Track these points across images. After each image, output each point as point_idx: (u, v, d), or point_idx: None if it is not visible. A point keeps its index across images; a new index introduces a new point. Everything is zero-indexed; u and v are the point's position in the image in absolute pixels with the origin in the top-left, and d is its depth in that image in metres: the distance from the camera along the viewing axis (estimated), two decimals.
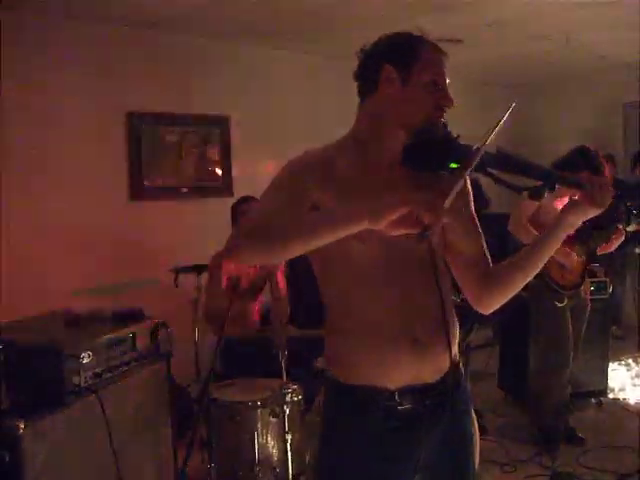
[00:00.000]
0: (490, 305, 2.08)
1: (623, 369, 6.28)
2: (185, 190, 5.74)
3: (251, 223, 1.85)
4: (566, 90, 8.49)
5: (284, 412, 3.60)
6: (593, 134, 7.87)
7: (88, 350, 2.93)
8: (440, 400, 1.99)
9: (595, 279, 5.42)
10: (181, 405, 4.33)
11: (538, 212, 4.61)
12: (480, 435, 4.10)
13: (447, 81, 1.97)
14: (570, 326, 4.66)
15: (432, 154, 1.92)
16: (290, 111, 6.36)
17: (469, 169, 1.76)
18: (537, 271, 2.01)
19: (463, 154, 1.83)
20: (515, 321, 5.14)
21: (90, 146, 5.17)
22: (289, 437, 3.58)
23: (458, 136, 1.92)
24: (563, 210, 1.94)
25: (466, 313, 3.23)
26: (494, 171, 1.88)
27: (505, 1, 4.87)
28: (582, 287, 4.72)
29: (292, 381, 3.79)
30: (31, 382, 2.83)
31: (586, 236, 4.62)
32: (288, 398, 3.63)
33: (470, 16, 5.25)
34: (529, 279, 2.03)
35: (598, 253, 4.75)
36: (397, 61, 1.93)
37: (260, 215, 1.87)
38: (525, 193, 4.44)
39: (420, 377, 1.96)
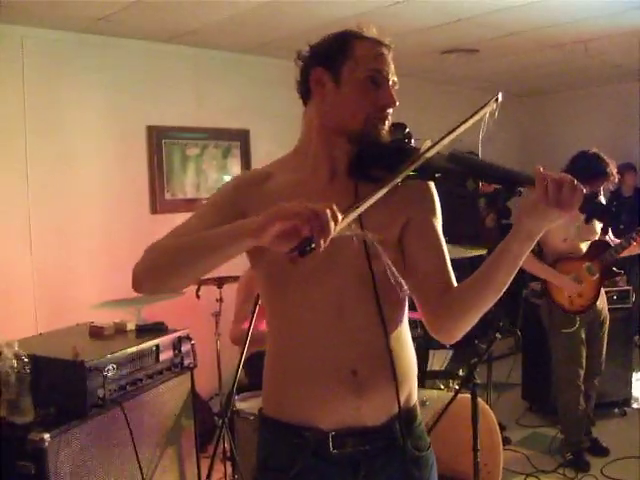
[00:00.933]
0: (447, 330, 1.75)
1: None
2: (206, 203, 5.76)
3: (153, 246, 1.70)
4: (583, 99, 8.46)
5: None
6: (610, 143, 7.82)
7: (112, 363, 2.96)
8: (385, 446, 1.75)
9: (617, 288, 5.38)
10: (201, 418, 4.36)
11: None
12: (504, 446, 4.09)
13: (390, 77, 1.76)
14: (582, 345, 4.61)
15: (380, 163, 1.72)
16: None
17: (402, 175, 1.60)
18: (501, 291, 1.65)
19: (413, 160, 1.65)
20: (538, 331, 5.12)
21: (112, 160, 5.21)
22: None
23: (409, 139, 1.80)
24: (518, 214, 1.61)
25: (488, 323, 3.24)
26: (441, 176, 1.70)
27: (520, 11, 4.86)
28: (597, 302, 4.61)
29: None
30: (56, 395, 2.86)
31: (598, 250, 4.56)
32: None
33: (486, 26, 5.25)
34: (492, 301, 1.67)
35: (622, 255, 4.57)
36: (326, 61, 1.77)
37: (168, 234, 1.74)
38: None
39: (359, 418, 1.71)
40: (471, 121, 1.71)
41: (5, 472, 2.67)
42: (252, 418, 3.69)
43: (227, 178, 5.94)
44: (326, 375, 1.70)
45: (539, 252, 4.63)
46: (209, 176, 5.80)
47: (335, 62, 1.75)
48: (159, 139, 5.45)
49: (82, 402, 2.82)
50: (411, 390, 1.82)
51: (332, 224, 1.37)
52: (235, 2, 4.47)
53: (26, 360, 2.78)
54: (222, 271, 4.60)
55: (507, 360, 6.17)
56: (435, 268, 1.76)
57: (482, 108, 1.73)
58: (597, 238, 4.57)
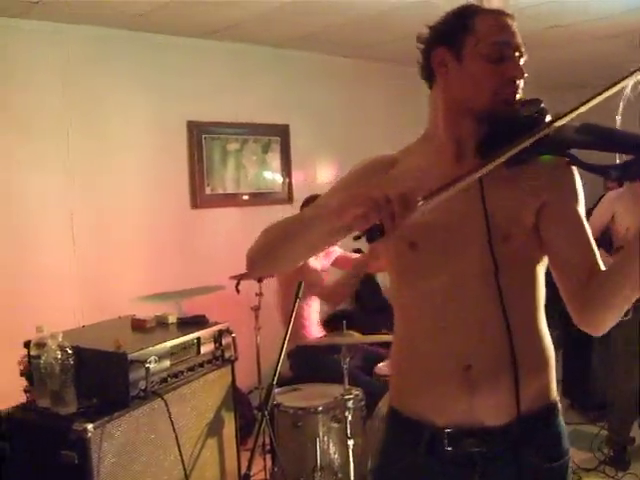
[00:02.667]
0: (592, 323, 1.65)
1: None
2: (246, 198, 5.79)
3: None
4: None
5: (346, 418, 3.60)
6: None
7: (154, 355, 2.98)
8: (504, 450, 1.63)
9: None
10: (241, 411, 4.38)
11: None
12: None
13: (518, 47, 1.66)
14: (633, 340, 4.48)
15: (511, 141, 1.54)
16: (350, 119, 6.38)
17: (517, 149, 1.49)
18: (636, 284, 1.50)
19: (550, 140, 1.53)
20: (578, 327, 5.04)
21: (152, 156, 5.25)
22: (351, 442, 3.58)
23: (543, 115, 1.62)
24: None
25: None
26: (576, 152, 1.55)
27: (565, 2, 4.80)
28: None
29: (354, 387, 3.79)
30: (99, 386, 2.89)
31: None
32: (350, 404, 3.63)
33: (529, 18, 5.19)
34: (634, 295, 1.53)
35: None
36: (447, 40, 1.68)
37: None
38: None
39: (474, 416, 1.62)
40: (610, 91, 1.54)
41: (49, 461, 2.71)
42: (291, 411, 3.71)
43: (267, 173, 5.96)
44: (439, 369, 1.66)
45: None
46: (249, 171, 5.82)
47: (456, 39, 1.67)
48: (199, 134, 5.48)
49: (124, 393, 2.85)
50: (542, 388, 1.71)
51: (405, 210, 1.35)
52: None
53: (70, 352, 2.81)
54: None
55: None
56: (580, 259, 1.65)
57: (625, 78, 1.55)
58: None
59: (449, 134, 1.72)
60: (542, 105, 1.65)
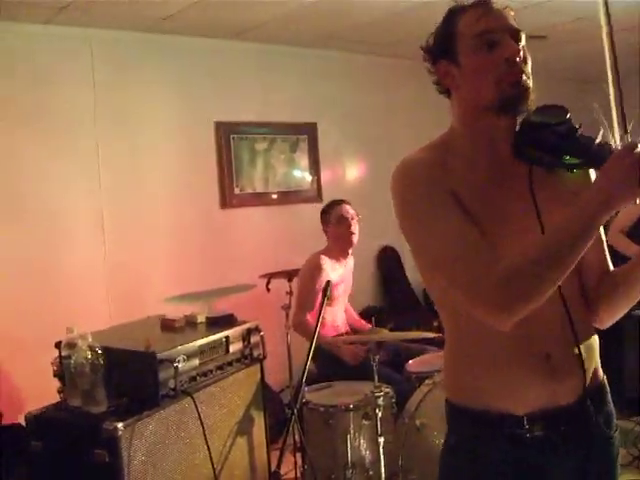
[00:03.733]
0: (603, 319, 1.78)
1: None
2: (275, 197, 5.81)
3: (482, 272, 1.53)
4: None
5: (376, 415, 3.59)
6: None
7: (183, 354, 3.00)
8: (578, 425, 1.69)
9: None
10: (273, 410, 4.39)
11: None
12: None
13: (506, 29, 1.67)
14: None
15: (543, 145, 1.62)
16: (377, 116, 6.37)
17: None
18: None
19: (581, 146, 1.57)
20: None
21: (181, 157, 5.29)
22: (381, 440, 3.56)
23: (579, 126, 1.61)
24: None
25: None
26: None
27: None
28: None
29: (385, 384, 3.78)
30: (129, 385, 2.92)
31: None
32: (380, 401, 3.61)
33: (554, 11, 5.14)
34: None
35: None
36: (443, 52, 1.73)
37: (472, 257, 1.56)
38: None
39: (553, 399, 1.66)
40: None
41: (81, 459, 2.74)
42: (322, 409, 3.71)
43: (296, 172, 5.97)
44: (520, 361, 1.66)
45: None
46: (278, 170, 5.83)
47: (449, 48, 1.71)
48: (227, 134, 5.50)
49: (154, 392, 2.87)
50: (597, 367, 1.79)
51: None
52: None
53: (100, 352, 2.84)
54: (292, 264, 4.68)
55: None
56: (594, 258, 1.74)
57: None
58: None
59: (478, 137, 1.72)
60: (568, 115, 1.63)
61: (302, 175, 6.01)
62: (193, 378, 3.08)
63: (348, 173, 6.31)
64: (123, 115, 5.00)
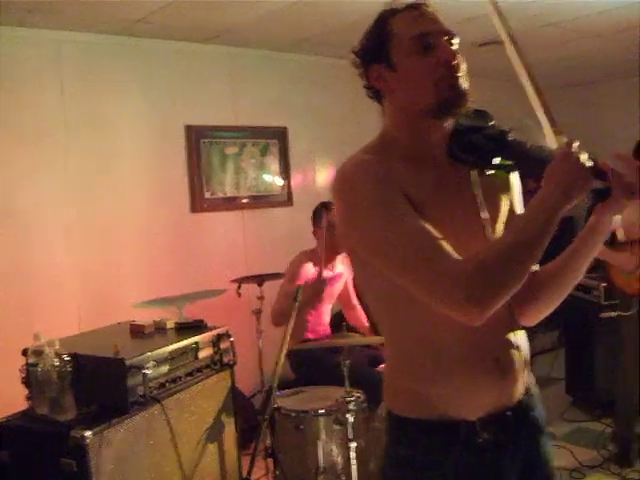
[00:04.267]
0: (528, 315, 1.80)
1: None
2: (245, 201, 5.78)
3: (452, 271, 1.50)
4: (626, 89, 8.30)
5: (347, 420, 3.59)
6: None
7: (152, 361, 2.98)
8: (522, 425, 1.74)
9: None
10: (244, 415, 4.38)
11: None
12: None
13: (442, 32, 1.70)
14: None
15: (476, 148, 1.68)
16: (348, 121, 6.37)
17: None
18: (578, 278, 1.75)
19: (513, 148, 1.66)
20: (581, 324, 5.05)
21: (151, 161, 5.25)
22: (353, 445, 3.56)
23: (509, 130, 1.71)
24: (597, 213, 1.67)
25: None
26: None
27: (558, 1, 4.79)
28: None
29: (356, 388, 3.78)
30: (97, 393, 2.90)
31: None
32: (352, 406, 3.61)
33: (523, 18, 5.18)
34: (571, 286, 1.76)
35: None
36: (376, 56, 1.73)
37: (433, 254, 1.53)
38: None
39: (500, 402, 1.70)
40: None
41: (48, 469, 2.72)
42: (293, 415, 3.70)
43: (266, 176, 5.95)
44: (471, 366, 1.68)
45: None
46: (248, 174, 5.81)
47: (382, 52, 1.72)
48: (197, 139, 5.47)
49: (123, 400, 2.86)
50: (529, 370, 1.83)
51: None
52: (268, 1, 4.47)
53: (67, 358, 2.82)
54: (263, 269, 4.67)
55: (551, 354, 6.09)
56: None
57: None
58: None
59: (417, 140, 1.73)
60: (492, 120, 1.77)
61: (273, 179, 5.99)
62: (162, 385, 3.06)
63: (319, 177, 6.30)
64: (93, 119, 4.95)
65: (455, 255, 1.53)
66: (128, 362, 2.87)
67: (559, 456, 4.55)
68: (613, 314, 4.59)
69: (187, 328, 3.44)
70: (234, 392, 3.62)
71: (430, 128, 1.71)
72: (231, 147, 5.69)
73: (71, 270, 4.79)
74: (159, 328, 3.45)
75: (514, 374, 1.72)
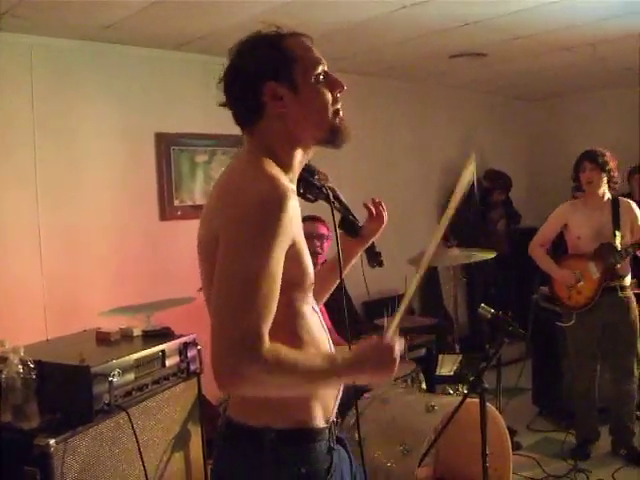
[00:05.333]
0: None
1: None
2: None
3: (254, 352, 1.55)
4: (592, 102, 8.41)
5: None
6: (622, 146, 7.75)
7: (118, 368, 2.96)
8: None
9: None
10: (212, 424, 4.36)
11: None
12: (514, 451, 4.07)
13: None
14: (588, 342, 4.72)
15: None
16: None
17: None
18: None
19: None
20: (548, 335, 5.10)
21: (120, 168, 5.22)
22: None
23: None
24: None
25: (497, 327, 3.22)
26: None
27: (528, 14, 4.84)
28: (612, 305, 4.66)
29: None
30: (62, 400, 2.87)
31: (603, 252, 4.60)
32: None
33: (493, 30, 5.23)
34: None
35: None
36: (274, 74, 1.75)
37: (254, 315, 1.57)
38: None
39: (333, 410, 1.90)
40: (458, 195, 1.82)
41: (12, 477, 2.69)
42: None
43: None
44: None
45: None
46: None
47: (283, 71, 1.75)
48: (168, 146, 5.45)
49: (88, 407, 2.83)
50: None
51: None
52: (241, 8, 4.47)
53: (32, 366, 2.80)
54: None
55: (518, 365, 6.13)
56: None
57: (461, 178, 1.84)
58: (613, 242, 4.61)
59: (289, 165, 1.82)
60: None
61: None
62: (128, 392, 3.04)
63: None
64: (62, 125, 4.91)
65: (264, 332, 1.56)
66: (93, 370, 2.84)
67: (526, 466, 4.60)
68: (560, 324, 4.81)
69: (154, 336, 3.42)
70: (201, 401, 3.61)
71: (302, 155, 1.84)
72: (201, 155, 5.68)
73: (38, 277, 4.75)
74: (125, 336, 3.43)
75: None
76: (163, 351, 3.29)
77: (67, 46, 4.91)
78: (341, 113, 1.81)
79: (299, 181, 1.89)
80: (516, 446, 4.78)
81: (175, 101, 5.53)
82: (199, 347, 3.53)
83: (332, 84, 1.79)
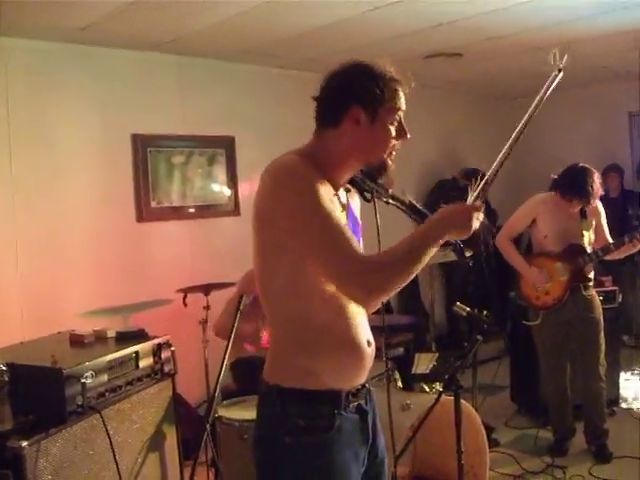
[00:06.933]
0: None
1: (636, 378, 6.22)
2: (192, 210, 5.77)
3: (366, 264, 1.89)
4: (568, 101, 8.43)
5: None
6: (599, 144, 7.84)
7: (91, 370, 2.96)
8: (369, 394, 2.19)
9: (603, 289, 5.43)
10: (190, 425, 4.36)
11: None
12: (491, 447, 4.09)
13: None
14: (558, 342, 4.78)
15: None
16: (295, 130, 6.39)
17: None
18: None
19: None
20: (525, 332, 5.13)
21: (97, 169, 5.21)
22: None
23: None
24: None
25: (474, 324, 3.24)
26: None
27: (502, 14, 4.87)
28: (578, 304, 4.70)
29: None
30: (35, 403, 2.86)
31: (572, 254, 4.65)
32: None
33: (468, 30, 5.26)
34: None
35: (606, 258, 4.74)
36: (367, 103, 2.00)
37: (352, 250, 1.90)
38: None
39: (363, 376, 2.13)
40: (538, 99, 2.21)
41: None
42: (237, 424, 3.69)
43: (213, 186, 5.94)
44: (357, 347, 2.07)
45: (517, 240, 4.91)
46: (195, 184, 5.80)
47: (373, 104, 1.99)
48: (144, 147, 5.45)
49: (60, 409, 2.83)
50: None
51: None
52: (218, 10, 4.47)
53: (4, 368, 2.79)
54: (209, 278, 4.65)
55: (496, 362, 6.16)
56: None
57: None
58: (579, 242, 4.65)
59: (343, 171, 2.08)
60: None
61: (220, 189, 5.99)
62: (102, 394, 3.04)
63: None
64: (38, 127, 4.90)
65: (361, 250, 1.93)
66: (66, 371, 2.84)
67: (503, 463, 4.63)
68: (526, 323, 4.88)
69: (127, 338, 3.41)
70: (177, 402, 3.60)
71: (353, 168, 2.07)
72: (178, 156, 5.68)
73: (15, 280, 4.73)
74: (99, 337, 3.42)
75: (372, 355, 2.13)
76: (137, 352, 3.29)
77: (43, 48, 4.90)
78: (393, 155, 2.08)
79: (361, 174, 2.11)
80: (494, 443, 4.81)
81: (151, 102, 5.52)
82: (172, 348, 3.53)
83: (400, 131, 2.06)
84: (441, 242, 1.95)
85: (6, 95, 4.73)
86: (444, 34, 5.32)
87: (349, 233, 1.92)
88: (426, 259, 1.92)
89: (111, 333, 3.45)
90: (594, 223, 4.72)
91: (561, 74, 2.16)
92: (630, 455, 4.62)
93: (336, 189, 2.07)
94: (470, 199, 2.11)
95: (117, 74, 5.36)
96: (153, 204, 5.49)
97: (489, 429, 4.81)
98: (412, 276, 1.92)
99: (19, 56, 4.80)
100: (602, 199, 4.85)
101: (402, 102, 2.06)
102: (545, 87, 2.21)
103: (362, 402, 2.13)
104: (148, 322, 3.67)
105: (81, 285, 5.06)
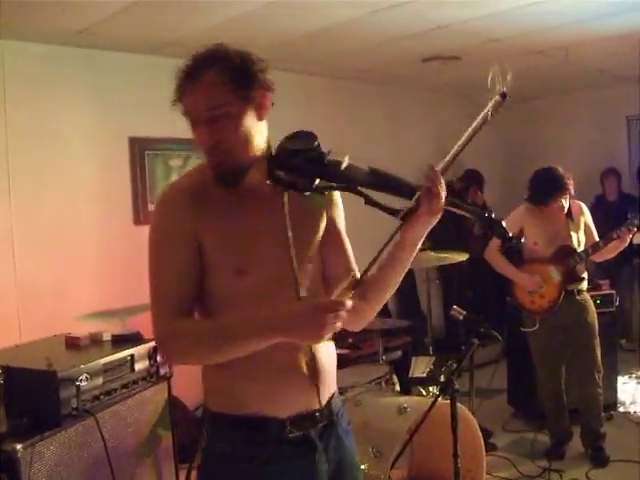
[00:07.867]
0: (354, 323, 1.99)
1: (634, 382, 6.21)
2: None
3: (165, 332, 1.83)
4: (565, 105, 8.46)
5: None
6: (597, 148, 7.83)
7: (86, 373, 2.95)
8: (328, 424, 1.98)
9: (600, 292, 5.43)
10: (187, 428, 4.34)
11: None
12: (488, 451, 4.08)
13: (202, 113, 1.96)
14: (553, 346, 4.77)
15: (296, 170, 1.83)
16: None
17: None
18: (396, 286, 1.98)
19: (331, 171, 1.79)
20: (522, 337, 5.12)
21: (94, 172, 5.21)
22: None
23: (328, 152, 1.84)
24: (403, 229, 1.81)
25: (469, 329, 3.24)
26: (365, 190, 1.78)
27: (500, 18, 4.87)
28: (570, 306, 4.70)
29: None
30: (29, 405, 2.86)
31: (563, 256, 4.65)
32: None
33: (466, 33, 5.26)
34: (388, 295, 2.01)
35: (601, 260, 4.78)
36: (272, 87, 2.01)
37: (162, 302, 1.87)
38: None
39: (309, 403, 1.93)
40: (476, 123, 1.85)
41: None
42: None
43: None
44: (287, 369, 1.89)
45: (508, 249, 4.85)
46: None
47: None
48: (141, 150, 5.45)
49: (55, 412, 2.82)
50: (333, 379, 2.05)
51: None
52: (214, 13, 4.48)
53: None
54: None
55: (493, 366, 6.15)
56: (343, 272, 2.01)
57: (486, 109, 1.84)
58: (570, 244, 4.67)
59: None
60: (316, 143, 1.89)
61: None
62: (97, 397, 3.03)
63: None
64: (36, 129, 4.89)
65: (177, 312, 1.83)
66: (60, 374, 2.84)
67: (500, 467, 4.62)
68: (523, 329, 4.87)
69: (123, 340, 3.41)
70: (174, 405, 3.60)
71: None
72: (175, 159, 5.67)
73: (12, 282, 4.72)
74: (95, 340, 3.41)
75: (321, 379, 1.93)
76: (132, 355, 3.29)
77: (41, 51, 4.90)
78: (214, 164, 1.89)
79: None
80: (491, 447, 4.80)
81: (149, 105, 5.49)
82: None
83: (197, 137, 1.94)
84: (273, 340, 1.73)
85: (4, 98, 4.72)
86: (442, 37, 5.32)
87: (168, 285, 1.87)
88: (249, 347, 1.75)
89: (107, 336, 3.44)
90: (582, 224, 4.74)
91: (505, 99, 1.85)
92: (627, 459, 4.60)
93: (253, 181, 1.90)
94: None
95: (115, 77, 5.35)
96: (150, 207, 5.47)
97: (487, 433, 4.81)
98: (228, 356, 1.78)
99: (17, 59, 4.80)
100: (600, 202, 4.86)
101: (185, 100, 1.95)
102: (481, 116, 1.90)
103: (311, 432, 1.94)
104: (145, 325, 3.65)
105: (78, 288, 5.05)
